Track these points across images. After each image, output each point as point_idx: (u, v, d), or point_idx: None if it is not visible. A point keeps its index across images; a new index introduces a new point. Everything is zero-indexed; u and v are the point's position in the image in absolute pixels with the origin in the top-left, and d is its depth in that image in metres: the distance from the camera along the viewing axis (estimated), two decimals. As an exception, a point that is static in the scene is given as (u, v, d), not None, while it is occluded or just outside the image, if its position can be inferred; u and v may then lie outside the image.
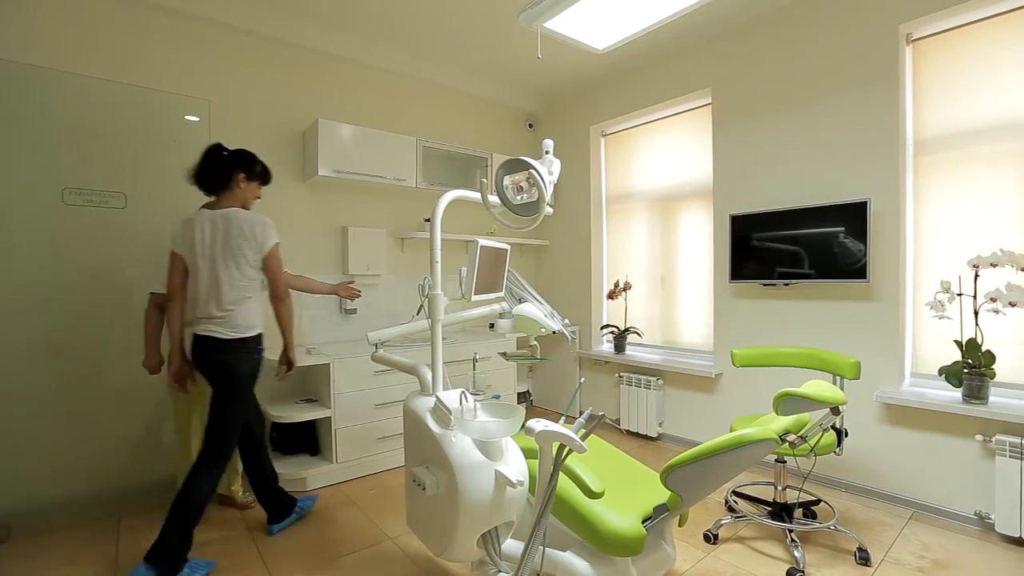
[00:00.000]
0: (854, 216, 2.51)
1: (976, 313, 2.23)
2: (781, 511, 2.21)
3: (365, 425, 2.89)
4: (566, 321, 1.86)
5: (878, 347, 2.54)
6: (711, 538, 2.17)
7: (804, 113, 2.79)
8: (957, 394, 2.29)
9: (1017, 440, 2.08)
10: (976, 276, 2.22)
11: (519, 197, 1.58)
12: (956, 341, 2.28)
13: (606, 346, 3.98)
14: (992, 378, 2.18)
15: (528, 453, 1.59)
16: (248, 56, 3.03)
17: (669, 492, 1.45)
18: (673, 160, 3.60)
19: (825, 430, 1.92)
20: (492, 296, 1.74)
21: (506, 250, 1.76)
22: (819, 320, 2.75)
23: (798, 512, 2.31)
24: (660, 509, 1.48)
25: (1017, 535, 2.08)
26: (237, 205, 2.09)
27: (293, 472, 2.71)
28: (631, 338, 3.75)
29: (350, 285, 2.83)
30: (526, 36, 3.12)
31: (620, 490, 1.61)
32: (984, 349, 2.19)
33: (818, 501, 2.42)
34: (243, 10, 2.89)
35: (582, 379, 3.43)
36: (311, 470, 2.74)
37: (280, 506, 2.29)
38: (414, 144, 3.39)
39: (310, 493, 2.65)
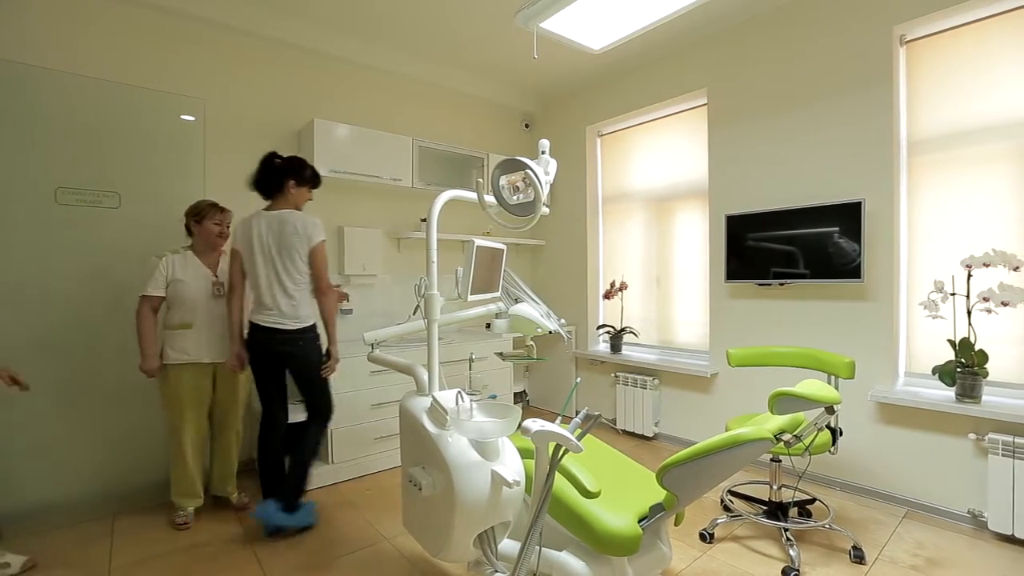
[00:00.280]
0: (848, 216, 2.53)
1: (969, 313, 2.24)
2: (776, 510, 2.22)
3: (361, 425, 2.88)
4: (562, 321, 1.86)
5: (872, 346, 2.56)
6: (707, 537, 2.18)
7: (799, 114, 2.81)
8: (950, 393, 2.31)
9: (1010, 439, 2.10)
10: (969, 276, 2.24)
11: (515, 197, 1.58)
12: (949, 340, 2.29)
13: (602, 346, 3.98)
14: (985, 377, 2.20)
15: (524, 453, 1.59)
16: (243, 56, 3.02)
17: (665, 492, 1.45)
18: (669, 160, 3.61)
19: (820, 429, 1.93)
20: (488, 296, 1.74)
21: (502, 250, 1.76)
22: (814, 320, 2.77)
23: (793, 511, 2.32)
24: (656, 508, 1.48)
25: (1010, 533, 2.09)
26: (290, 207, 2.28)
27: (289, 473, 2.70)
28: (627, 338, 3.76)
29: (337, 288, 2.77)
30: (522, 36, 3.12)
31: (616, 490, 1.61)
32: (977, 348, 2.21)
33: (813, 500, 2.43)
34: (239, 10, 2.88)
35: (578, 379, 3.44)
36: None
37: (272, 490, 2.23)
38: (410, 144, 3.39)
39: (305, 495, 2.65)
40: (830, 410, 1.81)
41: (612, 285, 3.82)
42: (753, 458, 1.51)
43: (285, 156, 2.31)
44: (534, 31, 2.28)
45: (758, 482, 2.66)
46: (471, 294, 1.60)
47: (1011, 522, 2.09)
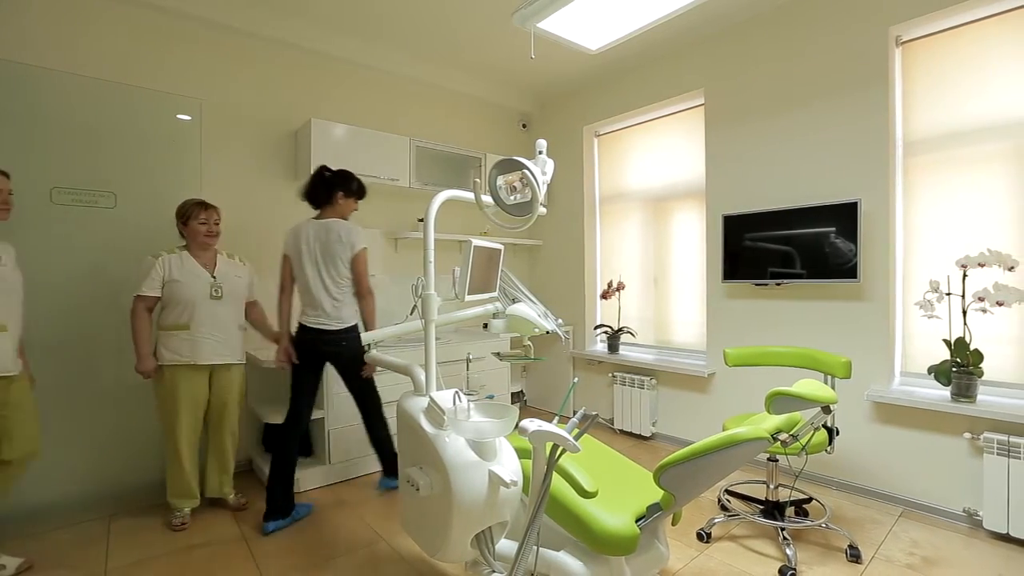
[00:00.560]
0: (845, 216, 2.54)
1: (964, 312, 2.25)
2: (773, 509, 2.23)
3: (359, 426, 2.86)
4: (559, 321, 1.86)
5: (868, 346, 2.56)
6: (704, 536, 2.18)
7: (795, 114, 2.82)
8: (946, 392, 2.32)
9: (1004, 438, 2.11)
10: (964, 276, 2.25)
11: (512, 197, 1.57)
12: (945, 340, 2.30)
13: (600, 346, 3.99)
14: (980, 377, 2.21)
15: (522, 453, 1.59)
16: (240, 55, 3.01)
17: (662, 491, 1.45)
18: (666, 160, 3.61)
19: (816, 429, 1.94)
20: (486, 296, 1.74)
21: (500, 250, 1.76)
22: (810, 320, 2.77)
23: (790, 510, 2.33)
24: (653, 508, 1.48)
25: (1005, 531, 2.10)
26: (337, 216, 2.44)
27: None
28: (624, 338, 3.76)
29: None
30: (519, 36, 3.12)
31: (614, 490, 1.62)
32: (972, 348, 2.22)
33: (810, 499, 2.44)
34: (236, 10, 2.88)
35: (575, 379, 3.44)
36: (304, 471, 2.73)
37: (281, 497, 2.31)
38: (407, 144, 3.39)
39: (303, 495, 2.65)
40: (826, 410, 1.81)
41: (609, 285, 3.82)
42: (750, 458, 1.52)
43: (334, 170, 2.47)
44: (531, 31, 2.28)
45: (755, 481, 2.67)
46: (468, 294, 1.60)
47: (1006, 521, 2.10)
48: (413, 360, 1.79)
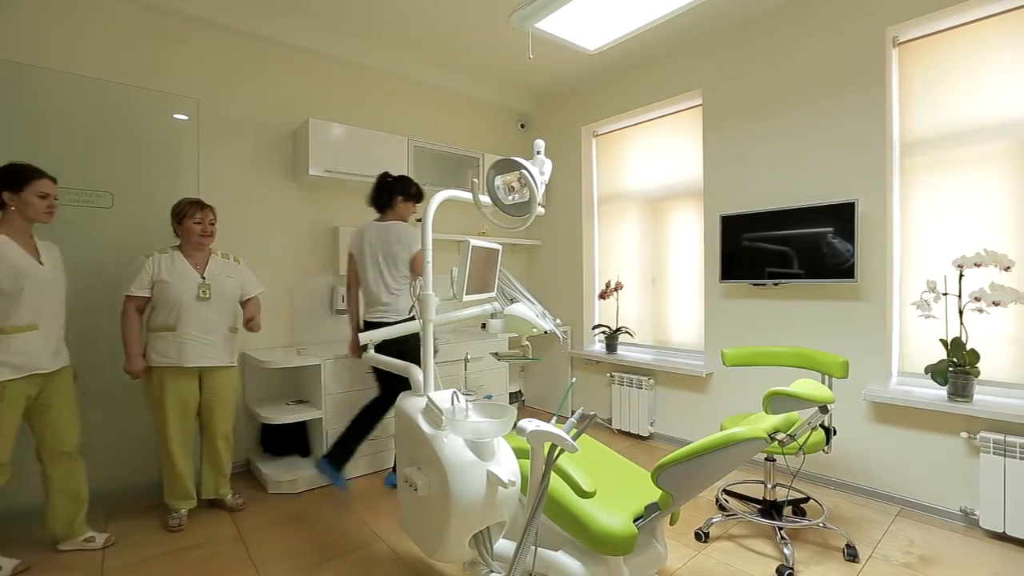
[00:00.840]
0: (842, 217, 2.54)
1: (961, 312, 2.26)
2: (771, 509, 2.23)
3: (356, 426, 2.87)
4: (558, 321, 1.86)
5: (866, 346, 2.57)
6: (702, 536, 2.18)
7: (793, 115, 2.82)
8: (943, 392, 2.32)
9: (1001, 437, 2.12)
10: (961, 276, 2.26)
11: (510, 197, 1.57)
12: (941, 340, 2.31)
13: (598, 346, 3.99)
14: (976, 376, 2.22)
15: (520, 453, 1.59)
16: (238, 55, 3.00)
17: (660, 491, 1.45)
18: (664, 161, 3.62)
19: (814, 428, 1.94)
20: (484, 296, 1.74)
21: (498, 250, 1.76)
22: (808, 320, 2.78)
23: (787, 510, 2.33)
24: (651, 508, 1.48)
25: (1001, 530, 2.11)
26: (397, 219, 2.65)
27: (283, 473, 2.69)
28: (623, 338, 3.76)
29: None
30: (518, 36, 3.12)
31: (612, 489, 1.62)
32: (969, 348, 2.22)
33: (807, 499, 2.45)
34: (234, 9, 2.87)
35: (573, 379, 3.44)
36: (302, 471, 2.72)
37: (339, 457, 2.51)
38: (405, 144, 3.38)
39: (303, 495, 2.64)
40: (824, 409, 1.82)
41: (607, 285, 3.83)
42: (748, 457, 1.52)
43: (395, 175, 2.68)
44: (529, 31, 2.28)
45: (753, 481, 2.68)
46: (466, 294, 1.60)
47: (1002, 520, 2.10)
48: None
